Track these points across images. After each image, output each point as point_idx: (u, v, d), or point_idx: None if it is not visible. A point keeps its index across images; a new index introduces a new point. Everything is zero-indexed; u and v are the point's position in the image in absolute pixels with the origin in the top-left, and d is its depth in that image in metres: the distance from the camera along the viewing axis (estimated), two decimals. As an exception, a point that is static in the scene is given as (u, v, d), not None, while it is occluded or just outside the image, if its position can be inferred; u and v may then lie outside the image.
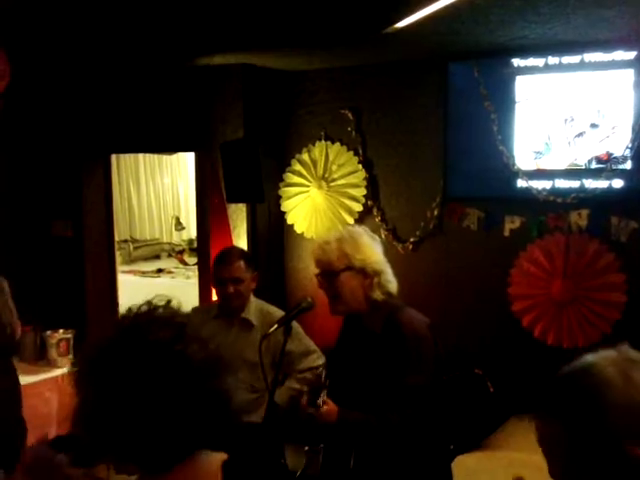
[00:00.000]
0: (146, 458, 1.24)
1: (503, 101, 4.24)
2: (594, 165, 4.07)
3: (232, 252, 3.57)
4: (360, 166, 4.74)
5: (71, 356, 4.27)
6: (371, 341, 2.59)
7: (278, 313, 3.42)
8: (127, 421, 1.20)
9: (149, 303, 1.31)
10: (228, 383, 1.29)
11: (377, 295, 2.58)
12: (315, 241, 4.29)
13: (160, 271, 8.58)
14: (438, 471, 2.60)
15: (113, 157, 5.42)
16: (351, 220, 4.74)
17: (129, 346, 1.23)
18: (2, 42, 3.60)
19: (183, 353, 1.24)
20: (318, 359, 3.41)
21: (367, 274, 2.57)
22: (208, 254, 4.74)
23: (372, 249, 2.61)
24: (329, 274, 2.60)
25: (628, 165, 3.97)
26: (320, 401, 2.46)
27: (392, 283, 2.63)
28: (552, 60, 4.10)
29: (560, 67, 4.10)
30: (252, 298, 3.51)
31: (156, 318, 1.29)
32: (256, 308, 3.47)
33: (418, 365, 2.46)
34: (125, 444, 1.22)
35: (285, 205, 5.00)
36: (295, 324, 3.01)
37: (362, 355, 2.61)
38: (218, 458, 1.30)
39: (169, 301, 1.34)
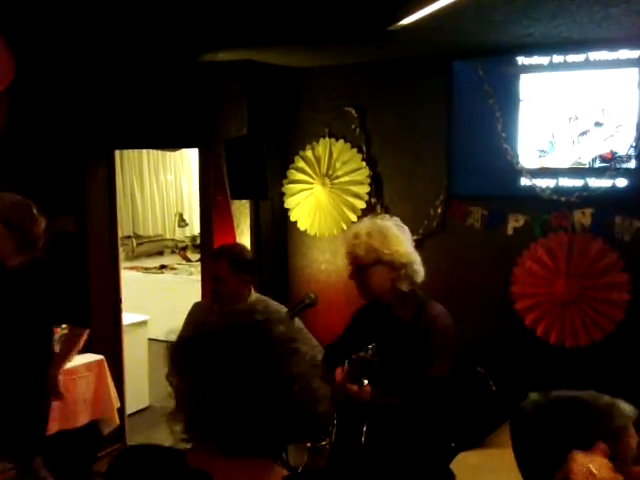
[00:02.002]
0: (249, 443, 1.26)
1: (507, 99, 4.23)
2: (598, 164, 4.06)
3: (220, 250, 3.56)
4: (364, 163, 4.73)
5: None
6: (401, 330, 2.68)
7: (279, 309, 3.42)
8: (231, 410, 1.24)
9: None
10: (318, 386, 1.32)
11: (404, 286, 2.70)
12: (325, 235, 4.26)
13: (163, 267, 8.61)
14: (439, 468, 2.63)
15: (117, 153, 5.42)
16: (354, 217, 4.74)
17: (250, 340, 1.27)
18: (7, 38, 3.60)
19: (298, 350, 1.31)
20: (319, 354, 3.41)
21: (395, 267, 2.68)
22: (211, 251, 4.74)
23: (400, 241, 2.72)
24: (359, 268, 2.71)
25: (632, 164, 3.96)
26: (365, 380, 2.52)
27: (418, 272, 2.74)
28: (557, 58, 4.09)
29: (565, 65, 4.09)
30: (253, 294, 3.51)
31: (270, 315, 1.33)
32: (257, 304, 3.47)
33: (443, 358, 2.58)
34: (227, 430, 1.25)
35: (288, 202, 5.00)
36: (297, 320, 3.01)
37: (390, 342, 2.66)
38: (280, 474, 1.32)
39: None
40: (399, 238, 2.72)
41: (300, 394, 1.27)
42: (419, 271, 2.73)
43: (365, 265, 2.68)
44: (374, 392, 2.54)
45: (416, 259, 2.74)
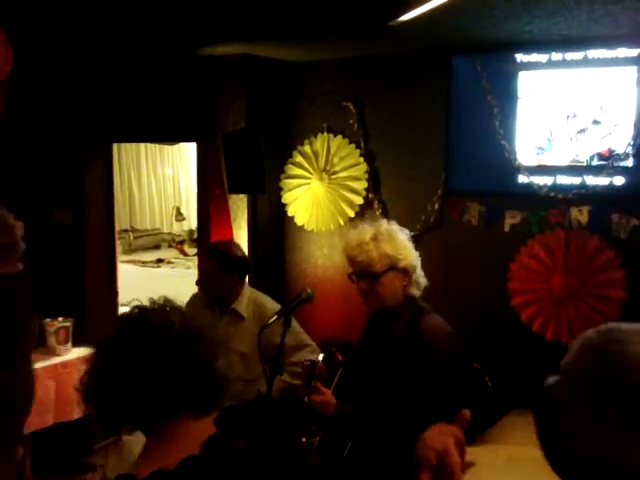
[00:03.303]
0: (145, 420, 1.49)
1: (506, 96, 4.23)
2: (596, 162, 4.06)
3: (211, 249, 3.59)
4: (362, 159, 4.73)
5: (70, 344, 4.27)
6: (392, 341, 2.58)
7: (271, 305, 3.42)
8: (126, 395, 1.47)
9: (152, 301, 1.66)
10: (208, 348, 1.52)
11: (414, 292, 2.58)
12: (323, 236, 4.23)
13: (160, 261, 8.60)
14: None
15: (115, 146, 5.41)
16: (352, 213, 4.74)
17: (131, 343, 1.56)
18: (5, 29, 3.59)
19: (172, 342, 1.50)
20: (312, 353, 3.40)
21: (407, 272, 2.55)
22: (208, 245, 4.74)
23: (408, 245, 2.59)
24: (370, 275, 2.53)
25: (630, 162, 3.97)
26: (311, 387, 2.47)
27: (423, 277, 2.62)
28: (555, 56, 4.09)
29: (563, 63, 4.09)
30: (247, 289, 3.52)
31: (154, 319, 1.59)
32: (249, 299, 3.48)
33: (426, 372, 2.41)
34: (127, 413, 1.48)
35: (286, 197, 5.00)
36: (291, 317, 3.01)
37: (382, 354, 2.61)
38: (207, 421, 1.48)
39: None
40: (405, 242, 2.59)
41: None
42: (423, 275, 2.61)
43: (378, 273, 2.50)
44: (340, 405, 2.45)
45: (419, 264, 2.61)
